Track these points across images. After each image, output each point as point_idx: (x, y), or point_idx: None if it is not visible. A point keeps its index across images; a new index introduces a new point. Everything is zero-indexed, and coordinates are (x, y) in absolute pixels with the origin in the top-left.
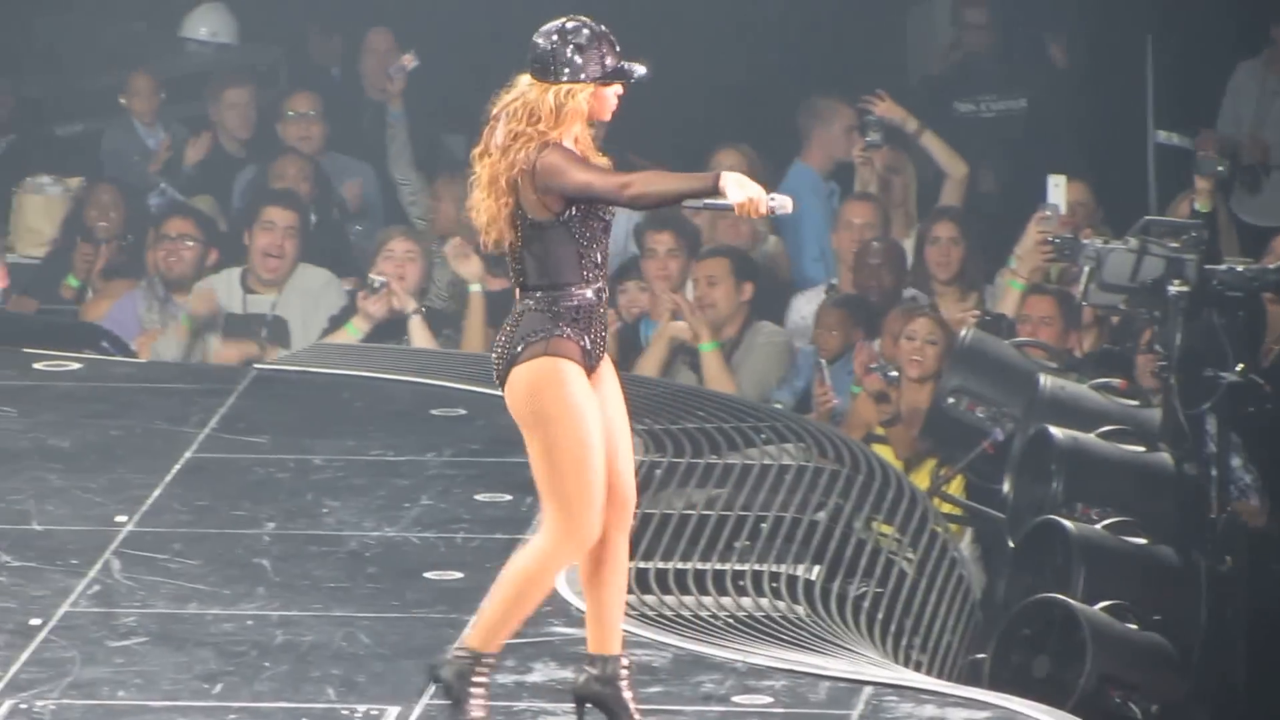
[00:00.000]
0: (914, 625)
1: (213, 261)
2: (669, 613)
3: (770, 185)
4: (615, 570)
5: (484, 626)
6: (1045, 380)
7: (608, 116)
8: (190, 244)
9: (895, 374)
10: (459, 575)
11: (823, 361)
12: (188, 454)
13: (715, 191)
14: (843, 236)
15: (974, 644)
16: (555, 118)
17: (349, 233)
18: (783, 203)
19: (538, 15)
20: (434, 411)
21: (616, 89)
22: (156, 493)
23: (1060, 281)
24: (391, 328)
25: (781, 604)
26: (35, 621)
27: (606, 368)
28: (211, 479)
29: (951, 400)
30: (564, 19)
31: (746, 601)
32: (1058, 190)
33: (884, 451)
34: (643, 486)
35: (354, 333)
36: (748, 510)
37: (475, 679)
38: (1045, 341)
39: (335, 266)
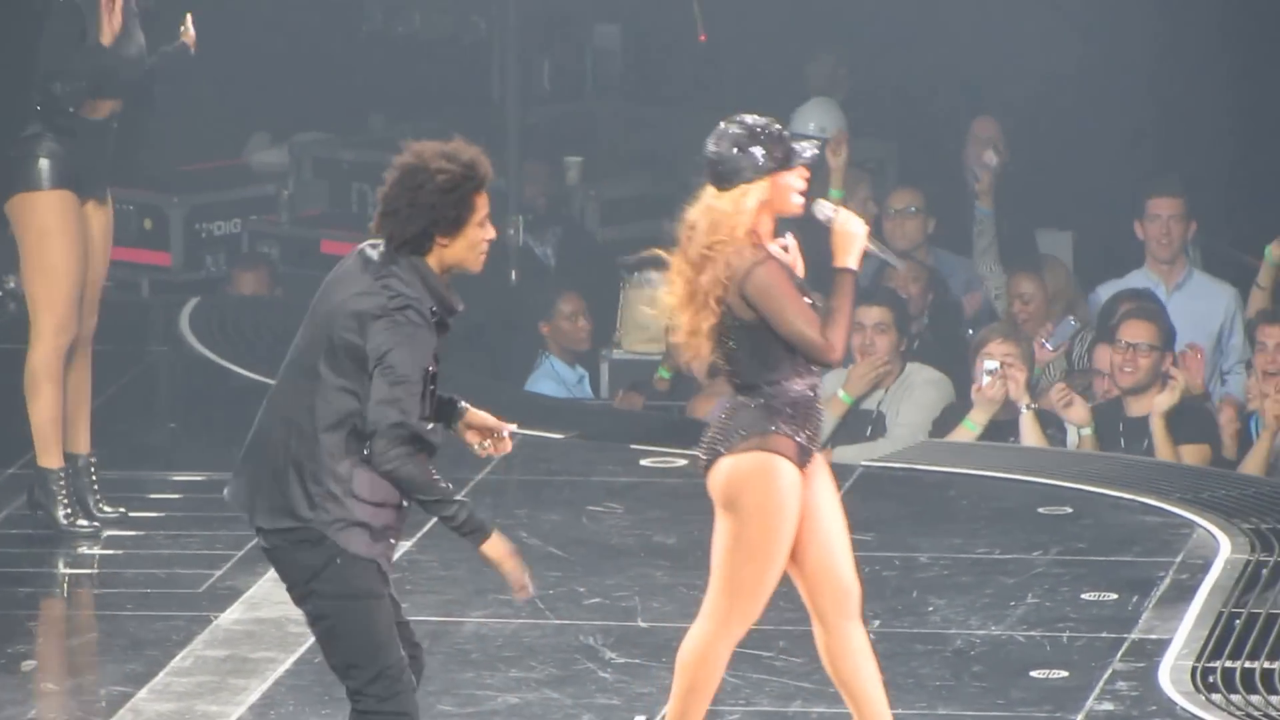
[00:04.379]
0: None
1: None
2: (1274, 713)
3: None
4: (861, 658)
5: None
6: None
7: (792, 207)
8: None
9: None
10: (1065, 674)
11: None
12: None
13: (852, 268)
14: None
15: None
16: (736, 220)
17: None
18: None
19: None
20: (1041, 510)
21: (799, 175)
22: None
23: None
24: (1002, 428)
25: None
26: (640, 718)
27: (820, 461)
28: None
29: None
30: (725, 121)
31: None
32: None
33: None
34: (1250, 585)
35: (972, 428)
36: None
37: None
38: None
39: (944, 365)
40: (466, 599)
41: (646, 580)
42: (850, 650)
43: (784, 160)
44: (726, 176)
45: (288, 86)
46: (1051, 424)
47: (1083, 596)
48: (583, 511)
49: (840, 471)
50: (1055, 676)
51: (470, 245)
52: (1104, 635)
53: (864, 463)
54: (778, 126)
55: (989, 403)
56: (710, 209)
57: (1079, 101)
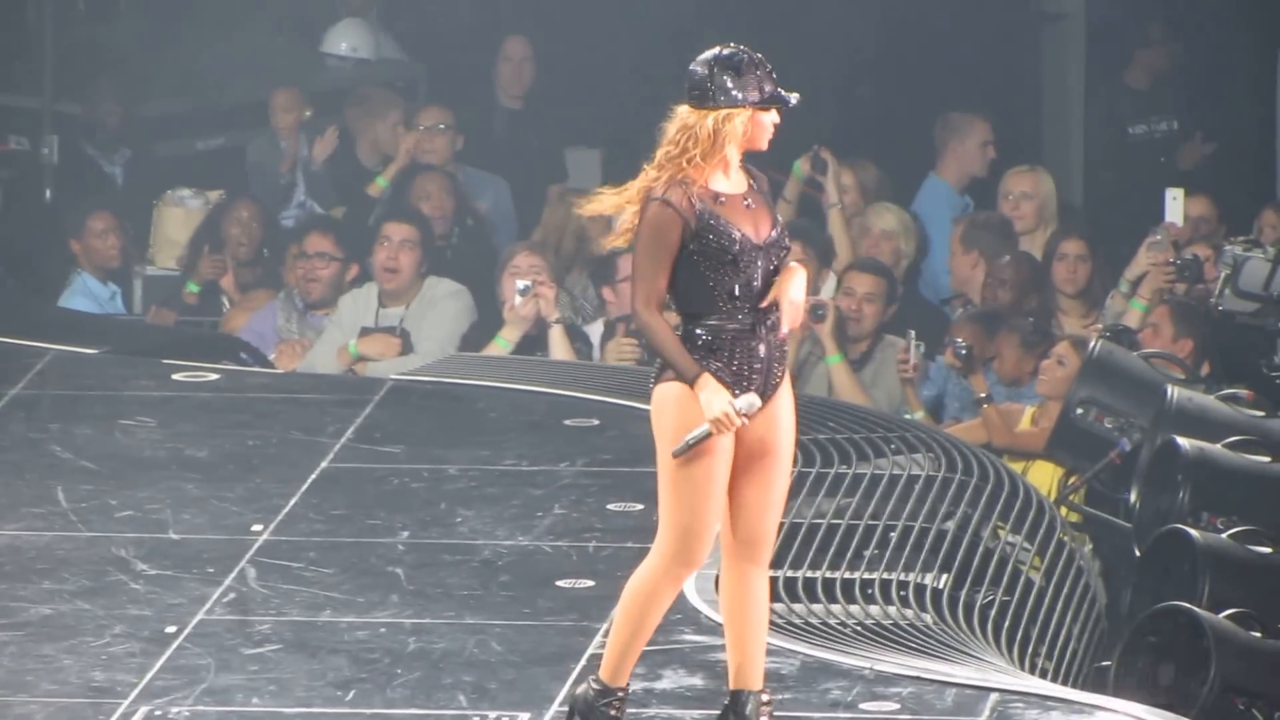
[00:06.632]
0: (1040, 633)
1: (353, 276)
2: (798, 620)
3: (906, 198)
4: (752, 605)
5: (610, 658)
6: (1173, 391)
7: (764, 144)
8: (328, 261)
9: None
10: (590, 583)
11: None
12: (324, 464)
13: (691, 384)
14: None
15: (1099, 652)
16: (712, 143)
17: (490, 247)
18: (749, 404)
19: (661, 32)
20: (567, 422)
21: (773, 116)
22: (292, 502)
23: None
24: (533, 342)
25: (909, 612)
26: (171, 629)
27: (776, 404)
28: (347, 488)
29: (1080, 411)
30: (720, 46)
31: (875, 609)
32: (1175, 204)
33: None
34: (792, 494)
35: (504, 345)
36: (877, 519)
37: (609, 712)
38: (1173, 353)
39: (474, 280)
40: (0, 512)
41: (178, 493)
42: (748, 596)
43: (770, 98)
44: (711, 98)
45: None
46: (579, 339)
47: (609, 507)
48: (115, 425)
49: (369, 386)
50: (581, 586)
51: None
52: (630, 545)
53: (393, 376)
54: (769, 66)
55: (521, 320)
56: (688, 126)
57: (604, 20)
